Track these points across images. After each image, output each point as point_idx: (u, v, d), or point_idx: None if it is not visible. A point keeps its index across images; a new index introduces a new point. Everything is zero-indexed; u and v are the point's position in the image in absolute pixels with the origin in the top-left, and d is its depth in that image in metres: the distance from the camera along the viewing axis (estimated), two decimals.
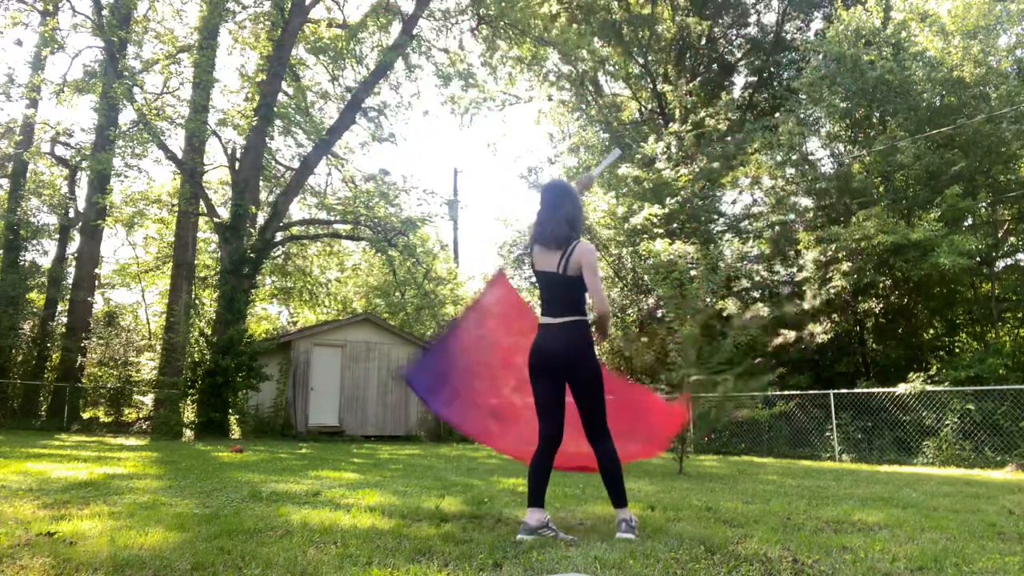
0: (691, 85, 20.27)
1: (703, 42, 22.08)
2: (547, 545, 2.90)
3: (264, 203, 18.95)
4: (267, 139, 17.48)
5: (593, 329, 3.39)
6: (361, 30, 19.06)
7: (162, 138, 15.91)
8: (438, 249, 27.86)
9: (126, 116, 19.11)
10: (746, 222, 20.00)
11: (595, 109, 23.76)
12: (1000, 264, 15.06)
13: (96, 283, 22.69)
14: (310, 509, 3.77)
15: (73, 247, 22.55)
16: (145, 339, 25.77)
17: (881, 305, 15.66)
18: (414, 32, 18.51)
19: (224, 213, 16.42)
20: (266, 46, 17.71)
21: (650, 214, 17.52)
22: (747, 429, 13.67)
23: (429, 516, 3.66)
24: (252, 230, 16.02)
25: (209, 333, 14.75)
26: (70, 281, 21.49)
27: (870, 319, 15.95)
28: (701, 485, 6.11)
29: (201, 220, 18.78)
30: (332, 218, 18.91)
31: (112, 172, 18.32)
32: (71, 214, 22.12)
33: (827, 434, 12.64)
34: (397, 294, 23.82)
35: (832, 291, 14.95)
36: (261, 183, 18.56)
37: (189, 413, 14.76)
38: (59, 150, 22.66)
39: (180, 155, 16.86)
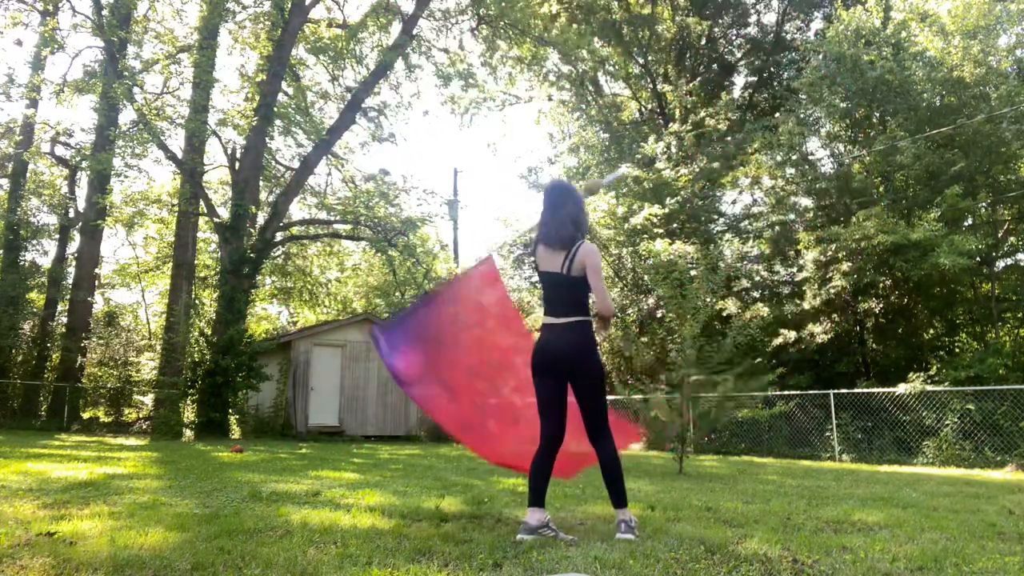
0: (691, 85, 20.27)
1: (703, 42, 22.09)
2: (547, 545, 2.90)
3: (264, 203, 18.95)
4: (267, 139, 17.48)
5: (595, 323, 3.41)
6: (361, 30, 19.06)
7: (162, 138, 15.91)
8: (438, 249, 27.83)
9: (126, 116, 19.13)
10: (746, 222, 20.01)
11: (595, 109, 23.76)
12: (1000, 264, 15.07)
13: (96, 283, 22.70)
14: (310, 509, 3.77)
15: (73, 247, 22.56)
16: (145, 339, 25.78)
17: (881, 305, 15.66)
18: (414, 32, 18.51)
19: (224, 213, 16.42)
20: (266, 46, 17.71)
21: (650, 214, 17.53)
22: (747, 429, 13.67)
23: (429, 516, 3.66)
24: (252, 230, 16.02)
25: (209, 333, 14.75)
26: (70, 281, 21.50)
27: (870, 319, 15.95)
28: (701, 485, 6.11)
29: (201, 220, 18.78)
30: (332, 218, 18.91)
31: (112, 172, 18.32)
32: (71, 214, 22.12)
33: (827, 434, 12.64)
34: (397, 294, 23.81)
35: (832, 291, 14.96)
36: (261, 183, 18.56)
37: (189, 413, 14.76)
38: (59, 150, 22.68)
39: (180, 155, 16.86)
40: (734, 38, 23.21)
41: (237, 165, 16.58)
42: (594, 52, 20.67)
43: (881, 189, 15.24)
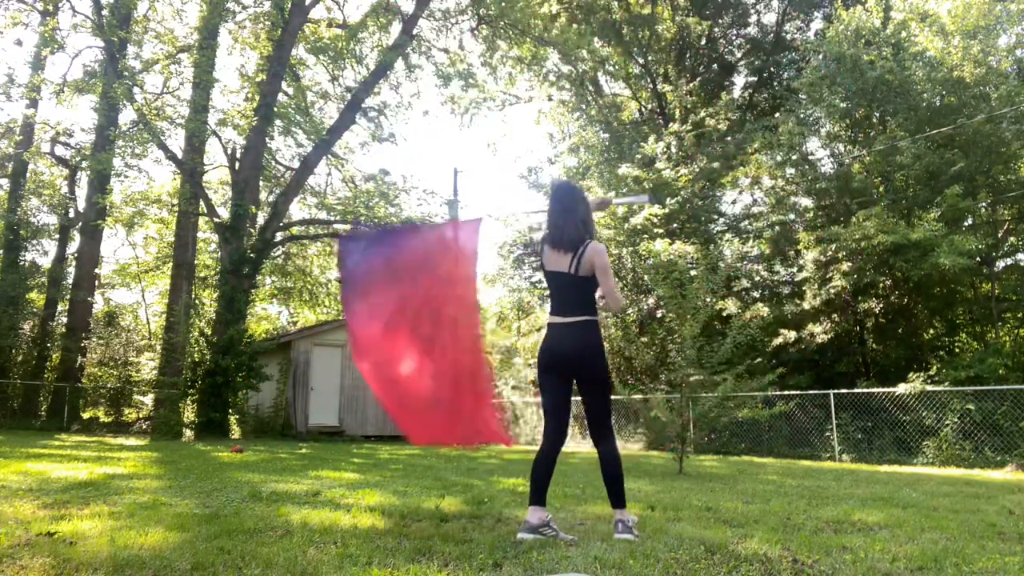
0: (691, 85, 20.27)
1: (703, 42, 22.08)
2: (547, 545, 2.90)
3: (264, 203, 18.95)
4: (267, 139, 17.49)
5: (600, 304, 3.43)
6: (361, 30, 19.06)
7: (162, 138, 15.91)
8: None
9: (126, 116, 19.14)
10: (746, 222, 20.00)
11: (595, 109, 23.76)
12: (1000, 264, 15.06)
13: (96, 283, 22.70)
14: (310, 509, 3.77)
15: (73, 247, 22.56)
16: (145, 339, 25.78)
17: (881, 305, 15.66)
18: (414, 32, 18.51)
19: (224, 213, 16.42)
20: (266, 46, 17.71)
21: (650, 214, 17.52)
22: (747, 429, 13.67)
23: (429, 516, 3.66)
24: (252, 230, 16.02)
25: (209, 333, 14.75)
26: (70, 281, 21.50)
27: (870, 319, 15.95)
28: (701, 485, 6.11)
29: (201, 220, 18.78)
30: (332, 218, 18.91)
31: (112, 172, 18.33)
32: (71, 214, 22.13)
33: (827, 434, 12.64)
34: None
35: (832, 291, 14.95)
36: (261, 183, 18.56)
37: (189, 413, 14.76)
38: (59, 150, 22.69)
39: (180, 155, 16.87)
40: (734, 38, 23.20)
41: (237, 165, 16.58)
42: (594, 52, 20.67)
43: (881, 189, 15.24)
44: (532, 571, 2.46)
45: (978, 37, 13.76)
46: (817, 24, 21.28)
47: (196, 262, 20.39)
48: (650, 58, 22.37)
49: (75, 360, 20.08)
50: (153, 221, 19.53)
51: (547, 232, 3.49)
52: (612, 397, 3.50)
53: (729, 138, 18.94)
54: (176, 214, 18.78)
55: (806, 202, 17.27)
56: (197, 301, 18.15)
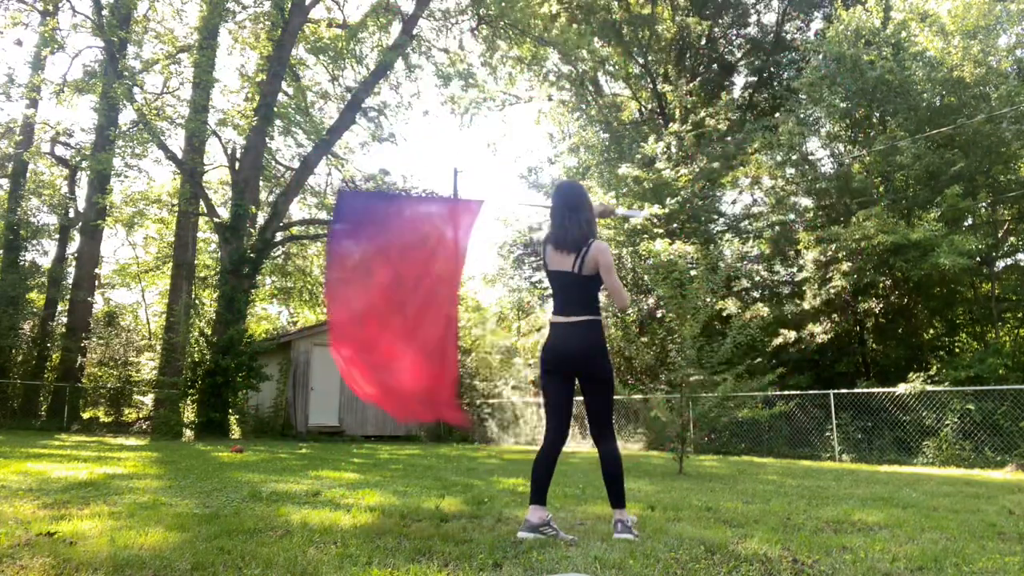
0: (691, 85, 20.27)
1: (703, 42, 22.08)
2: (547, 545, 2.90)
3: (264, 203, 18.95)
4: (267, 139, 17.49)
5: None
6: (361, 30, 19.06)
7: (162, 138, 15.92)
8: None
9: (126, 116, 19.14)
10: (746, 222, 20.01)
11: (595, 109, 23.76)
12: (1000, 264, 15.06)
13: (96, 283, 22.70)
14: (310, 509, 3.77)
15: (73, 247, 22.57)
16: (145, 339, 25.78)
17: (881, 305, 15.67)
18: (414, 32, 18.51)
19: (224, 213, 16.43)
20: (266, 46, 17.71)
21: (650, 214, 17.52)
22: (747, 429, 13.66)
23: (429, 516, 3.66)
24: (252, 230, 16.03)
25: (209, 333, 14.76)
26: (70, 281, 21.50)
27: (870, 319, 15.95)
28: (701, 485, 6.11)
29: (201, 220, 18.79)
30: (332, 218, 18.89)
31: (112, 172, 18.33)
32: (71, 214, 22.13)
33: (827, 434, 12.64)
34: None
35: (832, 291, 14.95)
36: (261, 183, 18.56)
37: (189, 413, 14.77)
38: (59, 150, 22.69)
39: (180, 155, 16.87)
40: (734, 38, 23.20)
41: (237, 165, 16.58)
42: (594, 52, 20.67)
43: (881, 189, 15.24)
44: (532, 571, 2.46)
45: (978, 37, 13.76)
46: (817, 24, 21.29)
47: (196, 262, 20.40)
48: (650, 58, 22.37)
49: (75, 360, 20.08)
50: (153, 221, 19.53)
51: (550, 232, 3.49)
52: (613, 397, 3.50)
53: (729, 138, 18.94)
54: (176, 214, 18.79)
55: (806, 202, 17.27)
56: (197, 301, 18.16)
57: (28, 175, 21.86)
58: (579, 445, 15.09)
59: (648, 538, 3.12)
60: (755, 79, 22.82)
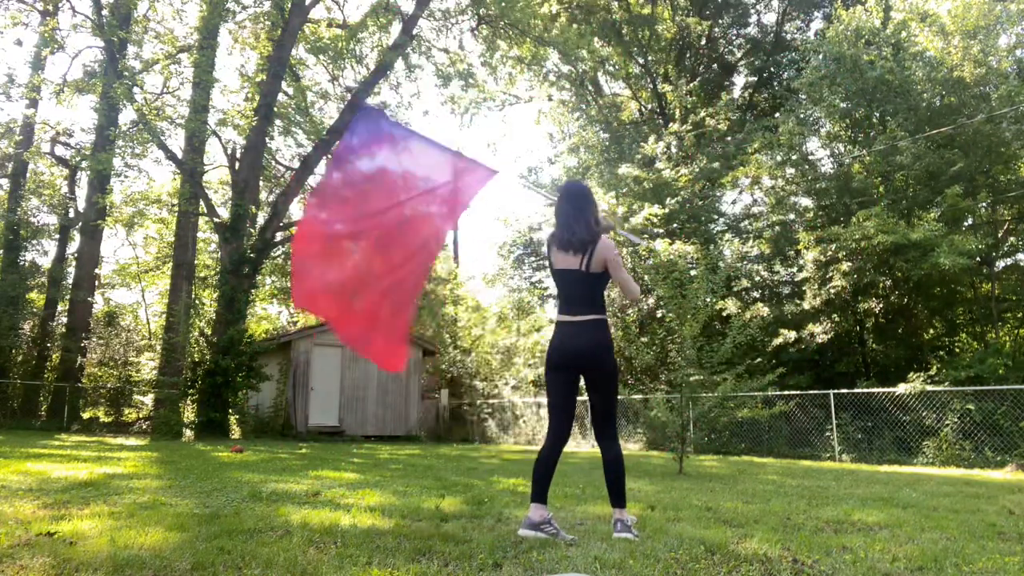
0: (691, 85, 20.27)
1: (703, 42, 22.09)
2: (547, 545, 2.90)
3: (264, 203, 18.95)
4: (267, 139, 17.48)
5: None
6: (361, 30, 19.06)
7: (162, 138, 15.91)
8: None
9: (126, 116, 19.14)
10: (746, 222, 20.01)
11: (595, 109, 23.77)
12: (1000, 264, 15.06)
13: (96, 283, 22.70)
14: (310, 509, 3.77)
15: (73, 247, 22.56)
16: (145, 339, 25.76)
17: (881, 305, 15.66)
18: (414, 32, 18.50)
19: (224, 213, 16.42)
20: (266, 46, 17.71)
21: (650, 214, 17.52)
22: (747, 429, 13.66)
23: (429, 516, 3.66)
24: (252, 230, 16.03)
25: (209, 333, 14.76)
26: (70, 281, 21.49)
27: (870, 319, 15.95)
28: (701, 485, 6.11)
29: (201, 220, 18.78)
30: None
31: (112, 172, 18.33)
32: (71, 214, 22.13)
33: (827, 434, 12.64)
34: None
35: (832, 291, 14.95)
36: (261, 183, 18.56)
37: (189, 413, 14.76)
38: (59, 150, 22.68)
39: (180, 155, 16.87)
40: (734, 38, 23.21)
41: (237, 165, 16.58)
42: (594, 52, 20.67)
43: (881, 189, 15.24)
44: (532, 571, 2.46)
45: (978, 37, 13.76)
46: (817, 24, 21.31)
47: (196, 262, 20.39)
48: (650, 58, 22.37)
49: (75, 360, 20.08)
50: (153, 221, 19.53)
51: (555, 232, 3.50)
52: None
53: (729, 138, 18.94)
54: (176, 214, 18.78)
55: (806, 202, 17.27)
56: (197, 301, 18.14)
57: (28, 175, 21.85)
58: (579, 445, 15.09)
59: (648, 538, 3.12)
60: (755, 79, 22.83)
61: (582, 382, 3.44)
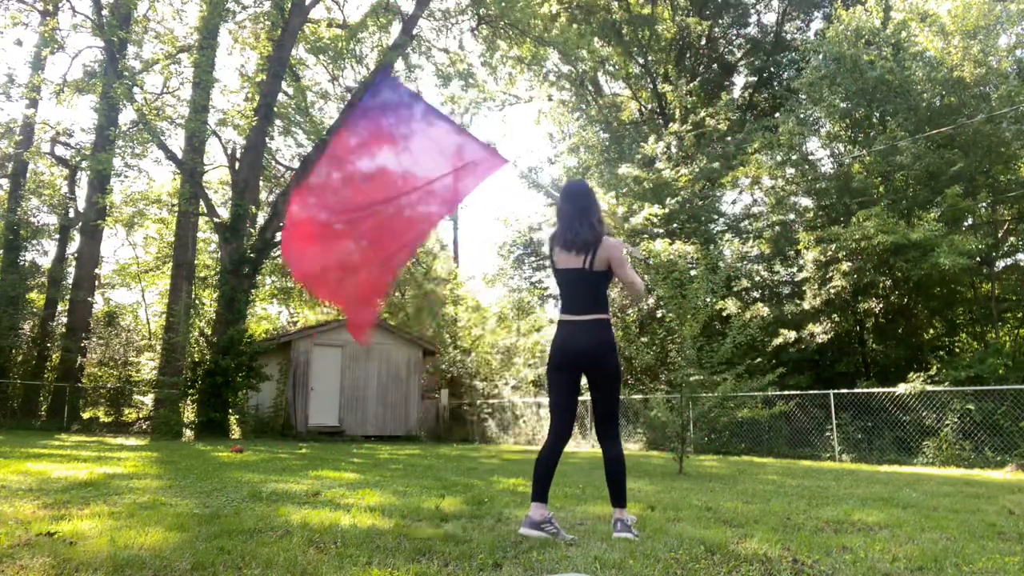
0: (691, 85, 20.28)
1: (703, 42, 22.09)
2: (547, 545, 2.90)
3: (264, 203, 18.95)
4: (267, 139, 17.48)
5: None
6: (361, 30, 19.06)
7: (162, 138, 15.91)
8: (438, 249, 27.86)
9: (126, 116, 19.15)
10: (746, 222, 20.01)
11: (595, 109, 23.77)
12: (1000, 264, 15.06)
13: (96, 283, 22.70)
14: (310, 509, 3.77)
15: (73, 247, 22.56)
16: (145, 339, 25.76)
17: (881, 305, 15.67)
18: (414, 32, 18.51)
19: (224, 213, 16.42)
20: (266, 46, 17.71)
21: (650, 214, 17.53)
22: (747, 429, 13.66)
23: (429, 516, 3.66)
24: (252, 230, 16.03)
25: (209, 333, 14.76)
26: (70, 281, 21.49)
27: (870, 319, 15.95)
28: (701, 485, 6.11)
29: (201, 220, 18.78)
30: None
31: (112, 172, 18.33)
32: (71, 214, 22.13)
33: (827, 434, 12.64)
34: (396, 294, 23.83)
35: (832, 291, 14.95)
36: (261, 183, 18.55)
37: (189, 413, 14.76)
38: (59, 150, 22.69)
39: (180, 155, 16.87)
40: (734, 38, 23.21)
41: (237, 165, 16.58)
42: (594, 52, 20.67)
43: (881, 189, 15.24)
44: (532, 571, 2.46)
45: (978, 37, 13.76)
46: (817, 24, 21.31)
47: (196, 262, 20.38)
48: (650, 58, 22.38)
49: (75, 360, 20.08)
50: (153, 221, 19.53)
51: (558, 232, 3.49)
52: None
53: (729, 138, 18.95)
54: (176, 214, 18.78)
55: (806, 202, 17.27)
56: (197, 301, 18.13)
57: (28, 175, 21.86)
58: (579, 445, 15.09)
59: (648, 538, 3.12)
60: (755, 79, 22.83)
61: (584, 381, 3.44)
